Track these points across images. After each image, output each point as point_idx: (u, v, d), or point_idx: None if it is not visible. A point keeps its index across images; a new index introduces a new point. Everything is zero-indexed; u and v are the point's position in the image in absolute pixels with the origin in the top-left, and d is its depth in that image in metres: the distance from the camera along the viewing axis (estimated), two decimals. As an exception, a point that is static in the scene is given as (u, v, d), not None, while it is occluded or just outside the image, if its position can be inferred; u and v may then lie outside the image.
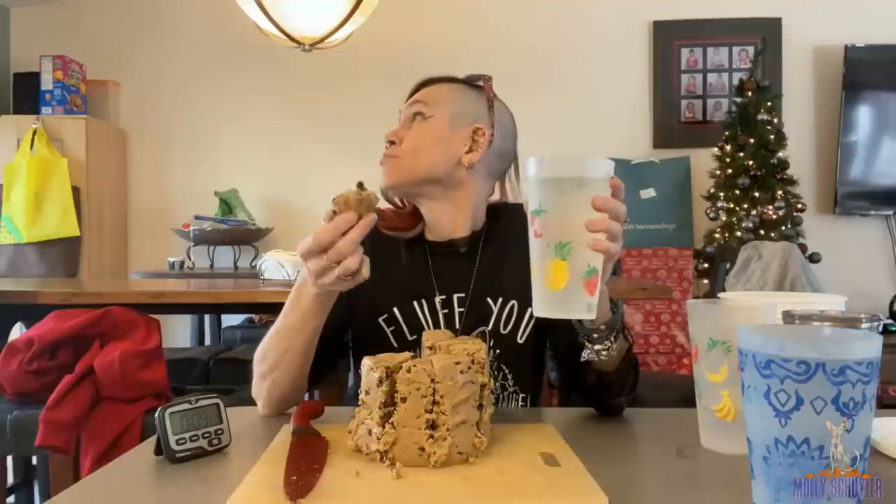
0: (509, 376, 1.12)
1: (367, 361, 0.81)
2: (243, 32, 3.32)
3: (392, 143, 1.13)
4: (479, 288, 1.13)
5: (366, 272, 0.88)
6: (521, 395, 1.14)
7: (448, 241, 1.15)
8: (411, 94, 1.17)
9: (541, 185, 0.78)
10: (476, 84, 1.17)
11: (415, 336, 1.09)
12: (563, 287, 0.77)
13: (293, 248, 2.53)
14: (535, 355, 1.16)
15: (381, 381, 0.78)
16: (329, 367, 1.14)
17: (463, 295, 1.12)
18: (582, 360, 0.96)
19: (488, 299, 1.12)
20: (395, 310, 1.11)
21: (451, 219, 1.14)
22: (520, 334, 1.12)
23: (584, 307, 0.79)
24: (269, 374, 1.00)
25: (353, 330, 1.16)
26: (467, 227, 1.15)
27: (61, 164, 3.43)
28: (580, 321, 0.94)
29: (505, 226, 1.17)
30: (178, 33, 3.88)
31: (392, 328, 1.11)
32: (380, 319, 1.11)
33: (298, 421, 0.87)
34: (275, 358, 1.00)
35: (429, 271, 1.14)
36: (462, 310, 1.12)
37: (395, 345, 1.10)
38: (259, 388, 1.03)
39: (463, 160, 1.12)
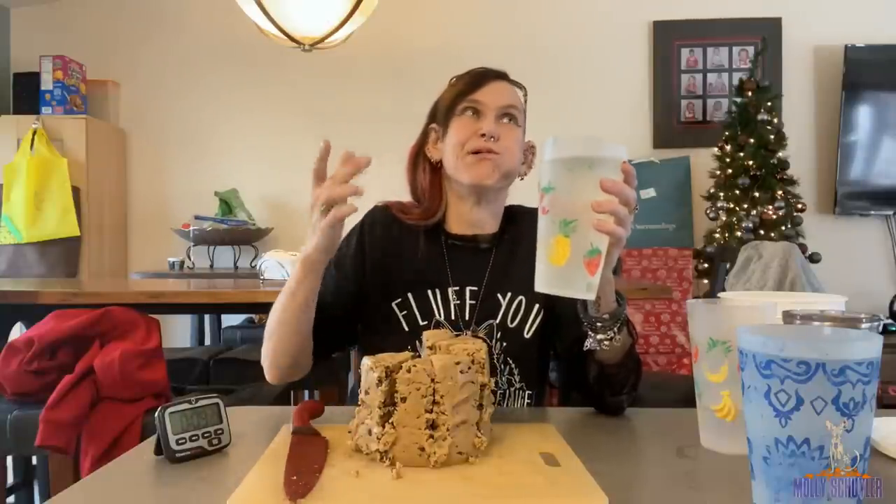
0: (515, 370, 1.14)
1: (366, 361, 0.82)
2: (243, 32, 3.32)
3: (492, 137, 1.12)
4: (491, 283, 1.16)
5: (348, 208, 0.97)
6: (527, 392, 1.15)
7: (472, 236, 1.19)
8: (482, 79, 1.16)
9: (553, 163, 0.80)
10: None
11: (426, 322, 1.13)
12: (564, 263, 0.78)
13: (293, 248, 2.55)
14: (540, 351, 1.18)
15: (380, 381, 0.79)
16: (337, 344, 1.19)
17: (475, 288, 1.16)
18: (585, 348, 0.97)
19: (497, 294, 1.15)
20: (409, 295, 1.14)
21: (488, 218, 1.19)
22: (527, 329, 1.15)
23: (583, 286, 0.79)
24: (269, 339, 1.07)
25: (365, 312, 1.18)
26: (495, 226, 1.21)
27: (61, 164, 3.43)
28: (584, 308, 0.96)
29: (520, 226, 1.20)
30: (177, 33, 3.88)
31: (404, 312, 1.14)
32: (393, 303, 1.14)
33: (298, 421, 0.87)
34: (272, 325, 1.06)
35: (444, 262, 1.17)
36: (473, 302, 1.15)
37: (406, 328, 1.13)
38: (264, 351, 1.08)
39: (520, 171, 1.19)
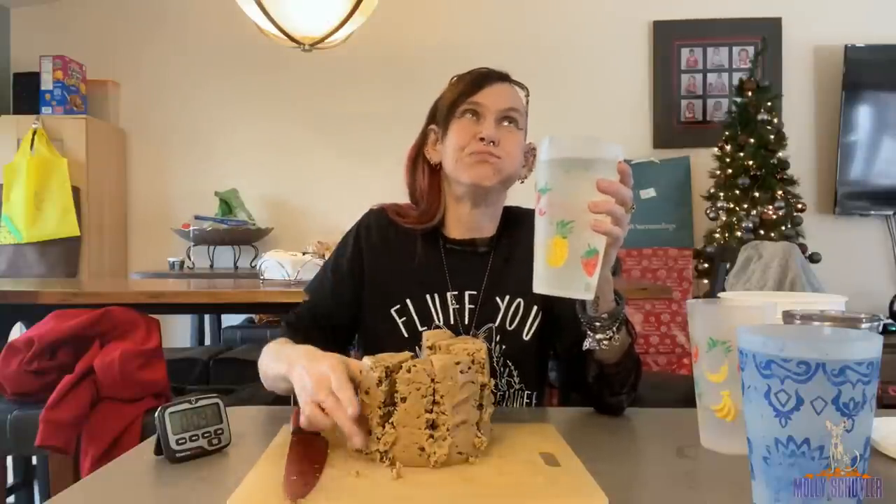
0: (515, 372, 1.14)
1: (366, 361, 0.81)
2: (243, 32, 3.32)
3: (492, 142, 1.10)
4: (490, 286, 1.15)
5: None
6: (526, 393, 1.16)
7: (470, 239, 1.18)
8: (483, 81, 1.13)
9: (550, 164, 0.80)
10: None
11: (425, 327, 1.12)
12: (561, 264, 0.79)
13: (293, 248, 2.54)
14: (539, 353, 1.18)
15: (380, 381, 0.79)
16: (333, 349, 1.17)
17: (474, 292, 1.15)
18: (584, 348, 0.97)
19: (496, 297, 1.15)
20: (408, 301, 1.14)
21: (486, 221, 1.18)
22: (525, 331, 1.14)
23: (581, 286, 0.79)
24: (260, 375, 1.06)
25: (364, 320, 1.18)
26: (493, 229, 1.19)
27: (61, 164, 3.43)
28: (583, 308, 0.96)
29: (518, 229, 1.19)
30: (178, 33, 3.88)
31: (403, 319, 1.13)
32: (392, 310, 1.14)
33: (298, 421, 0.87)
34: (261, 372, 1.05)
35: (443, 266, 1.16)
36: (472, 306, 1.15)
37: (405, 334, 1.12)
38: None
39: (521, 174, 1.18)
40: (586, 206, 0.79)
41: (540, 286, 0.80)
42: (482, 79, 1.14)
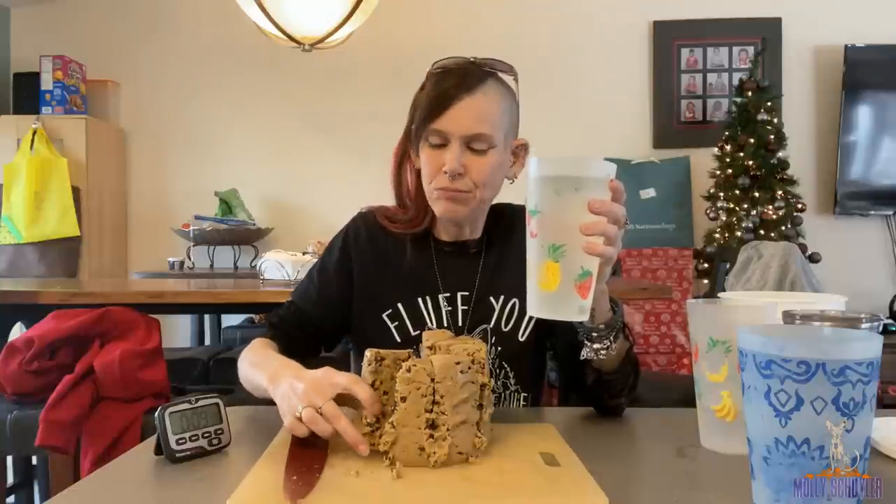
0: (510, 374, 1.13)
1: (368, 354, 0.82)
2: (243, 32, 3.32)
3: (459, 174, 1.03)
4: (483, 287, 1.14)
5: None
6: (522, 395, 1.15)
7: (461, 241, 1.16)
8: (447, 102, 1.03)
9: (539, 184, 0.78)
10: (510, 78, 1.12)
11: (418, 331, 1.10)
12: (554, 289, 0.77)
13: (293, 248, 2.54)
14: (535, 354, 1.16)
15: (370, 363, 0.80)
16: (317, 352, 1.18)
17: (467, 293, 1.13)
18: (581, 358, 0.96)
19: (490, 298, 1.13)
20: (400, 305, 1.12)
21: (472, 226, 1.16)
22: (521, 332, 1.13)
23: (575, 309, 0.79)
24: (242, 380, 1.07)
25: (355, 326, 1.17)
26: (481, 229, 1.17)
27: (61, 164, 3.43)
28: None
29: (509, 226, 1.17)
30: (178, 33, 3.88)
31: (395, 323, 1.12)
32: (383, 315, 1.12)
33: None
34: (244, 378, 1.06)
35: (434, 269, 1.14)
36: (465, 308, 1.13)
37: (398, 339, 1.11)
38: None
39: (509, 174, 1.13)
40: (578, 228, 0.77)
41: (533, 309, 0.80)
42: (445, 99, 1.03)
